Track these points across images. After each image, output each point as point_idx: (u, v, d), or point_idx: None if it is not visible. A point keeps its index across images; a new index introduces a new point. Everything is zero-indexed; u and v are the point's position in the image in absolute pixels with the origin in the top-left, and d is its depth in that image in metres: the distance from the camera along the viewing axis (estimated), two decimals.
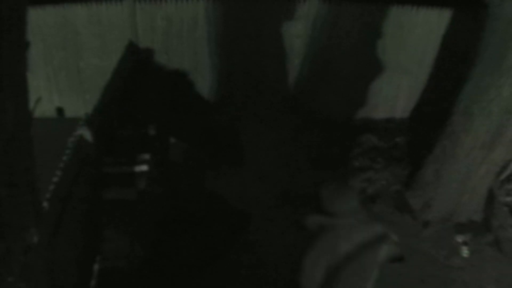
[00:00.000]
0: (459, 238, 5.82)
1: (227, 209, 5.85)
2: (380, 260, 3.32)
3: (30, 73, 1.98)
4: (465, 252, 5.68)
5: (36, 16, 6.43)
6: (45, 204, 3.30)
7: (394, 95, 7.90)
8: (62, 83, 7.22)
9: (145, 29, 6.96)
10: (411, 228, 6.00)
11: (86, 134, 4.48)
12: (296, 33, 7.16)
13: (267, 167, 6.62)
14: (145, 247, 4.97)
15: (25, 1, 1.88)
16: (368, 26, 7.19)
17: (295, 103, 7.69)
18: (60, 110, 7.35)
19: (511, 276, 5.44)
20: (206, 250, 5.32)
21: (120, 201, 4.84)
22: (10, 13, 1.74)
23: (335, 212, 3.22)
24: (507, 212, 5.83)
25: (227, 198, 6.02)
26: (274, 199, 6.19)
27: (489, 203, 5.98)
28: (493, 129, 5.35)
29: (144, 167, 5.08)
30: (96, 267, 4.81)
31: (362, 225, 3.29)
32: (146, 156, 5.19)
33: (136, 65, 6.90)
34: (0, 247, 1.89)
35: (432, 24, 7.27)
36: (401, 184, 6.57)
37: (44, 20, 6.64)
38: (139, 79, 6.82)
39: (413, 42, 7.39)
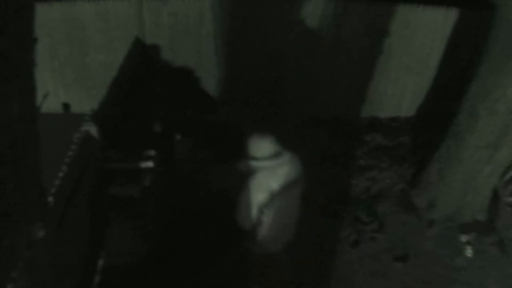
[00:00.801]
0: (463, 238, 5.82)
1: (232, 207, 5.85)
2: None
3: (36, 68, 1.98)
4: (469, 252, 5.68)
5: (42, 12, 6.44)
6: (50, 199, 3.31)
7: (400, 94, 7.89)
8: (68, 79, 7.24)
9: (151, 26, 6.96)
10: (415, 227, 6.00)
11: (92, 129, 4.50)
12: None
13: None
14: (149, 244, 4.99)
15: None
16: (374, 25, 7.18)
17: (300, 101, 7.69)
18: (66, 106, 7.36)
19: None
20: (210, 247, 5.33)
21: (125, 197, 4.85)
22: (18, 8, 1.74)
23: (261, 157, 3.80)
24: (511, 213, 5.82)
25: (232, 195, 6.02)
26: None
27: (494, 203, 5.98)
28: (498, 129, 5.34)
29: (149, 164, 5.09)
30: (100, 262, 4.82)
31: (285, 164, 3.85)
32: (151, 153, 5.20)
33: (142, 61, 6.91)
34: (5, 242, 1.90)
35: (438, 23, 7.25)
36: (406, 183, 6.57)
37: (50, 16, 6.65)
38: (144, 75, 6.83)
39: (419, 41, 7.37)
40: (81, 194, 4.25)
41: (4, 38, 1.70)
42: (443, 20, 7.22)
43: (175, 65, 7.21)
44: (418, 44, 7.39)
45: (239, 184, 3.90)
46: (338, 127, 7.61)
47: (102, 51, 7.01)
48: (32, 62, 1.92)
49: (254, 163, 3.83)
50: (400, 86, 7.80)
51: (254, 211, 3.81)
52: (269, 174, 3.80)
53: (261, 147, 3.83)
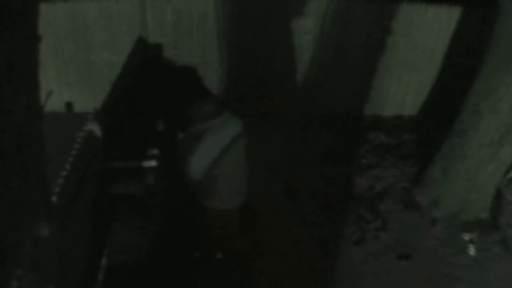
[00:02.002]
0: (466, 236, 5.82)
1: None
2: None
3: (40, 66, 1.99)
4: (472, 250, 5.67)
5: (46, 10, 6.45)
6: (54, 198, 3.32)
7: (403, 92, 7.88)
8: (72, 77, 7.25)
9: (155, 24, 6.97)
10: (418, 225, 6.00)
11: (95, 128, 4.50)
12: (305, 29, 7.15)
13: (275, 162, 6.61)
14: (152, 242, 4.99)
15: None
16: (378, 23, 7.17)
17: (303, 99, 7.69)
18: (69, 105, 7.37)
19: None
20: (213, 245, 5.32)
21: (128, 196, 4.85)
22: (23, 6, 1.75)
23: (204, 119, 4.39)
24: None
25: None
26: (281, 194, 6.19)
27: (497, 202, 5.98)
28: (502, 127, 5.34)
29: (152, 162, 5.08)
30: (103, 261, 4.83)
31: (229, 121, 4.48)
32: (155, 151, 5.20)
33: (146, 59, 6.91)
34: (11, 239, 1.91)
35: (442, 21, 7.24)
36: (409, 182, 6.57)
37: (54, 14, 6.67)
38: (148, 73, 6.83)
39: (422, 39, 7.36)
40: (85, 193, 4.25)
41: (9, 37, 1.70)
42: (447, 18, 7.21)
43: (179, 63, 7.21)
44: (421, 42, 7.38)
45: (190, 144, 4.47)
46: (341, 125, 7.61)
47: (105, 50, 7.03)
48: (36, 60, 1.92)
49: (203, 125, 4.39)
50: (403, 85, 7.79)
51: (207, 167, 4.37)
52: (217, 131, 4.38)
53: (207, 109, 4.43)
